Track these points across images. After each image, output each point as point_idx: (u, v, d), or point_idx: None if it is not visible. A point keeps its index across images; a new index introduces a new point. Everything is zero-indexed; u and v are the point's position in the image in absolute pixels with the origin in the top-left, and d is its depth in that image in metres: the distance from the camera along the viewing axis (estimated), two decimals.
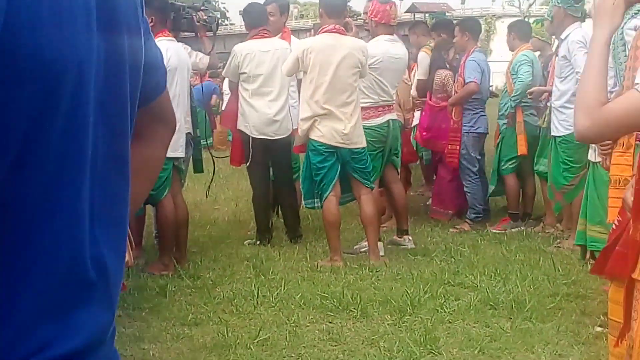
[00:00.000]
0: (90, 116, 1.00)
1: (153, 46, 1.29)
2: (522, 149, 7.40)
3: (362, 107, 6.24)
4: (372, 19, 6.63)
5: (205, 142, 7.57)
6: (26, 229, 0.94)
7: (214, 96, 15.20)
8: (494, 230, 7.43)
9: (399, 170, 7.01)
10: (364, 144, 6.14)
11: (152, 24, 5.76)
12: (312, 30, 6.81)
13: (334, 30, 6.04)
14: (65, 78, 0.94)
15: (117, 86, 1.09)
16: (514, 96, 7.36)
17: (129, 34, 1.12)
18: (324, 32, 6.07)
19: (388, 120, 6.59)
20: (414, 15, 20.74)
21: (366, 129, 6.28)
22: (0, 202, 0.91)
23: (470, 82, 7.47)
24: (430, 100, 7.99)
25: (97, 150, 1.03)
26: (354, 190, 6.22)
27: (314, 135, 6.01)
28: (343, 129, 5.96)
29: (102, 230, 1.04)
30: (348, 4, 6.29)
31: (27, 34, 0.89)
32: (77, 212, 1.00)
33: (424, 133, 7.99)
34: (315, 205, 6.23)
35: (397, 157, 6.86)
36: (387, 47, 6.56)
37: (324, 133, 5.97)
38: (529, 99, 7.37)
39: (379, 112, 6.55)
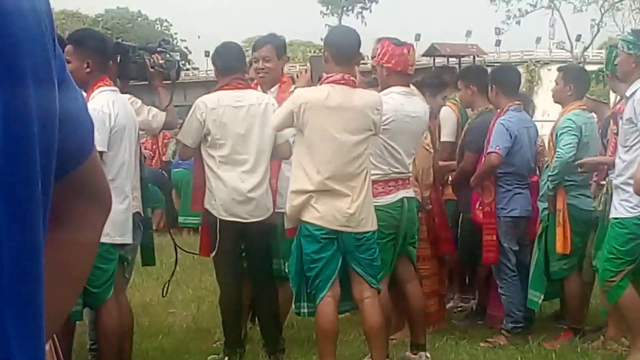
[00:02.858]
0: None
1: (74, 95, 1.27)
2: (560, 245, 7.35)
3: None
4: (384, 64, 6.70)
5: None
6: None
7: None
8: (546, 346, 7.38)
9: (415, 265, 7.03)
10: (374, 227, 6.15)
11: (87, 69, 5.90)
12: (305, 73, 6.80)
13: (343, 81, 6.09)
14: None
15: (22, 152, 1.07)
16: (550, 176, 7.37)
17: (36, 82, 1.10)
18: (329, 82, 6.12)
19: (402, 199, 6.64)
20: (434, 59, 20.98)
21: (374, 209, 6.28)
22: None
23: (491, 152, 7.54)
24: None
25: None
26: (354, 292, 6.20)
27: (309, 217, 6.04)
28: (348, 207, 6.00)
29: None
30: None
31: None
32: None
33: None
34: (305, 310, 6.23)
35: (414, 247, 6.90)
36: (401, 102, 6.64)
37: (323, 214, 6.00)
38: (580, 172, 7.38)
39: (390, 188, 6.62)
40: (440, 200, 8.08)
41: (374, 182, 6.38)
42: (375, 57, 6.82)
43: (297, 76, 6.91)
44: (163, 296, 7.23)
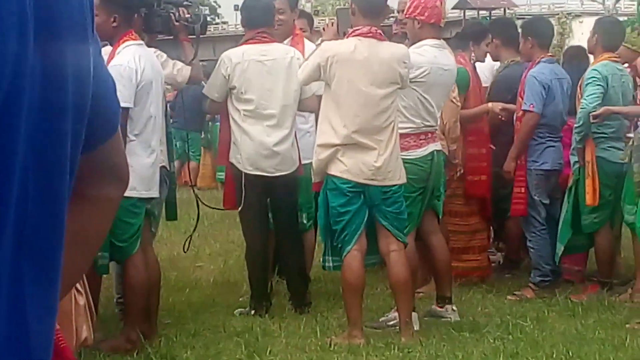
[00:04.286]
0: (19, 153, 1.02)
1: (103, 71, 1.29)
2: (589, 197, 7.32)
3: (400, 135, 6.29)
4: (417, 17, 6.66)
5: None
6: None
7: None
8: (574, 299, 7.37)
9: (440, 218, 7.04)
10: (403, 180, 6.16)
11: (114, 24, 5.87)
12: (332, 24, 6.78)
13: (370, 34, 6.07)
14: None
15: (55, 116, 1.09)
16: (576, 127, 7.33)
17: (73, 42, 1.11)
18: (356, 35, 6.10)
19: (432, 152, 6.64)
20: (464, 12, 20.85)
21: (405, 162, 6.30)
22: None
23: (527, 111, 7.52)
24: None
25: (26, 194, 1.04)
26: (381, 245, 6.20)
27: (335, 170, 6.05)
28: (375, 161, 6.00)
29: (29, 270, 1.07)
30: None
31: None
32: None
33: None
34: (330, 264, 6.25)
35: (439, 201, 6.91)
36: (435, 55, 6.62)
37: (349, 167, 6.01)
38: (597, 124, 7.33)
39: (421, 141, 6.61)
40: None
41: (406, 135, 6.42)
42: (405, 10, 6.80)
43: (324, 29, 6.86)
44: (184, 251, 7.25)
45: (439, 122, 6.86)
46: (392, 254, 6.16)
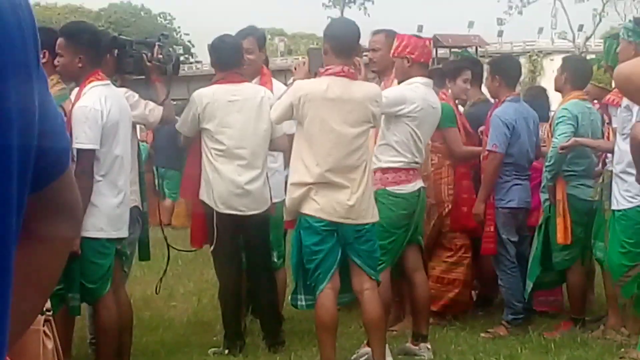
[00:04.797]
0: None
1: (51, 108, 1.26)
2: (560, 236, 7.36)
3: (391, 169, 6.46)
4: (407, 56, 6.77)
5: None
6: None
7: None
8: (547, 336, 7.38)
9: (423, 255, 7.09)
10: (375, 218, 6.18)
11: (80, 64, 5.86)
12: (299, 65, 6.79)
13: (342, 74, 6.10)
14: None
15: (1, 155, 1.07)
16: (547, 166, 7.39)
17: (18, 89, 1.09)
18: (328, 74, 6.12)
19: (419, 188, 6.74)
20: (436, 50, 20.99)
21: (396, 196, 6.45)
22: None
23: (491, 151, 7.57)
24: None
25: None
26: (354, 283, 6.20)
27: (308, 209, 6.04)
28: (348, 199, 6.01)
29: None
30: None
31: None
32: None
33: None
34: (302, 302, 6.23)
35: (422, 237, 6.99)
36: (425, 92, 6.75)
37: (322, 206, 6.00)
38: (567, 163, 7.39)
39: (411, 177, 6.70)
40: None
41: (397, 169, 6.60)
42: (395, 48, 6.90)
43: (295, 69, 6.84)
44: (156, 293, 7.25)
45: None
46: (365, 292, 6.15)
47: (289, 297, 6.44)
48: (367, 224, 6.11)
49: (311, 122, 5.99)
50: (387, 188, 6.60)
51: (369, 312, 6.17)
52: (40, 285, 1.35)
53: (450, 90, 8.19)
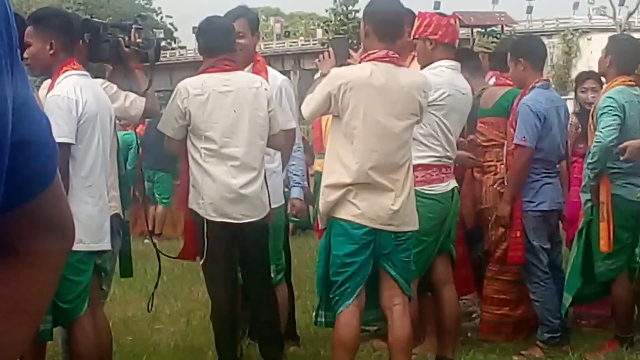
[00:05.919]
0: None
1: (35, 110, 1.24)
2: (604, 243, 6.98)
3: (420, 166, 6.21)
4: (429, 37, 6.55)
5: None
6: None
7: None
8: (589, 358, 7.09)
9: (454, 263, 6.82)
10: (417, 226, 5.95)
11: (51, 51, 5.65)
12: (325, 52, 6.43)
13: (387, 59, 5.81)
14: None
15: None
16: (589, 163, 7.02)
17: None
18: (370, 59, 5.84)
19: (453, 189, 6.56)
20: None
21: (425, 198, 6.22)
22: None
23: (519, 145, 7.21)
24: None
25: None
26: (383, 298, 5.92)
27: (346, 214, 5.76)
28: (392, 203, 5.74)
29: None
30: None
31: None
32: None
33: None
34: (322, 319, 5.99)
35: (453, 245, 6.77)
36: (453, 77, 6.57)
37: (364, 210, 5.72)
38: (622, 160, 6.94)
39: (443, 175, 6.49)
40: None
41: (426, 166, 6.38)
42: (415, 29, 6.64)
43: (319, 61, 6.55)
44: (148, 311, 7.01)
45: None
46: (395, 308, 5.90)
47: (313, 314, 6.23)
48: (409, 231, 5.91)
49: (353, 113, 5.72)
50: (416, 188, 6.30)
51: (397, 329, 5.90)
52: (27, 312, 1.28)
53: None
